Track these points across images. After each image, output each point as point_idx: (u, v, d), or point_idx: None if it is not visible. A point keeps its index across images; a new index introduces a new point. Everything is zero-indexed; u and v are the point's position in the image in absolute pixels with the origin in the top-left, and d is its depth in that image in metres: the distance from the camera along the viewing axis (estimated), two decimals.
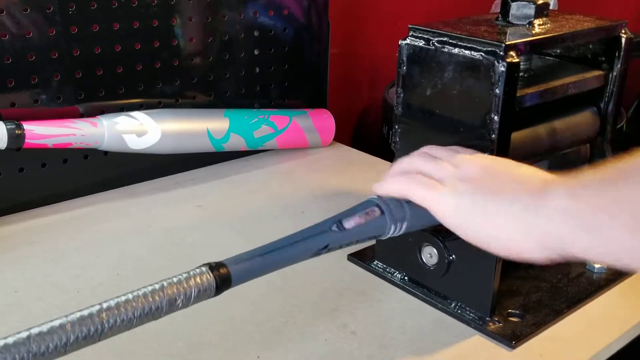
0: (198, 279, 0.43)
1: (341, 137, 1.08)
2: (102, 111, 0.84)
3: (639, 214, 0.39)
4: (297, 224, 0.53)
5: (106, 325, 0.38)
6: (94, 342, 0.38)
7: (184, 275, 0.43)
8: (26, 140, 0.74)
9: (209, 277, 0.44)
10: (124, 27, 0.83)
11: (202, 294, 0.43)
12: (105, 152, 0.85)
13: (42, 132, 0.75)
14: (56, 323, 0.37)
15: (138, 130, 0.81)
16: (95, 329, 0.37)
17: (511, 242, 0.47)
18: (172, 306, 0.41)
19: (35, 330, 0.36)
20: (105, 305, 0.39)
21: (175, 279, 0.43)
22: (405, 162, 0.56)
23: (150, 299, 0.40)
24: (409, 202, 0.54)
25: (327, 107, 1.06)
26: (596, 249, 0.42)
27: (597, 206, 0.42)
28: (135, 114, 0.82)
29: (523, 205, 0.46)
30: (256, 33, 0.96)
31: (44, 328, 0.36)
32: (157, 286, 0.42)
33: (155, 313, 0.40)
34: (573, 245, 0.43)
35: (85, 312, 0.38)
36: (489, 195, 0.49)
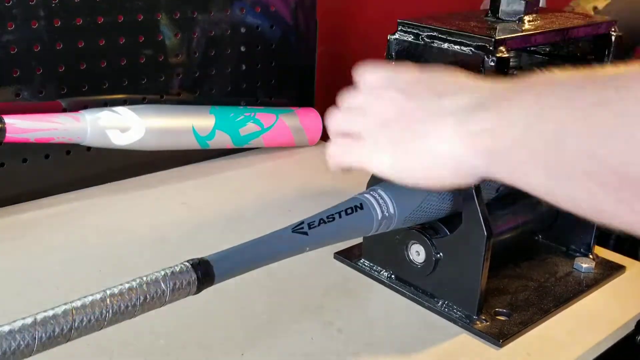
0: (179, 276, 0.42)
1: (329, 136, 1.07)
2: (85, 106, 0.82)
3: None
4: (282, 223, 0.52)
5: (75, 325, 0.36)
6: (60, 344, 0.37)
7: (165, 271, 0.42)
8: (7, 135, 0.73)
9: (190, 274, 0.43)
10: (108, 21, 0.82)
11: (183, 291, 0.42)
12: (88, 148, 0.83)
13: (24, 127, 0.74)
14: (16, 326, 0.35)
15: (121, 125, 0.80)
16: (61, 329, 0.36)
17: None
18: (149, 304, 0.40)
19: None
20: (74, 304, 0.37)
21: (154, 276, 0.41)
22: (330, 126, 0.55)
23: (126, 297, 0.38)
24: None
25: (315, 105, 1.05)
26: None
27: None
28: (118, 109, 0.81)
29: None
30: (243, 30, 0.95)
31: (5, 329, 0.35)
32: (134, 283, 0.40)
33: (131, 311, 0.39)
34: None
35: (50, 313, 0.36)
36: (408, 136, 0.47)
